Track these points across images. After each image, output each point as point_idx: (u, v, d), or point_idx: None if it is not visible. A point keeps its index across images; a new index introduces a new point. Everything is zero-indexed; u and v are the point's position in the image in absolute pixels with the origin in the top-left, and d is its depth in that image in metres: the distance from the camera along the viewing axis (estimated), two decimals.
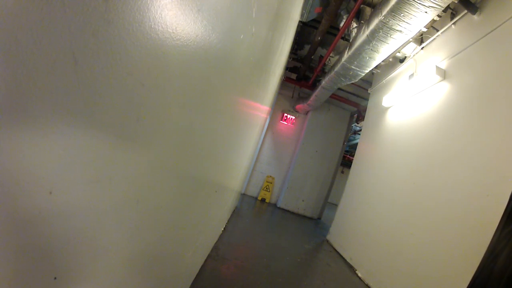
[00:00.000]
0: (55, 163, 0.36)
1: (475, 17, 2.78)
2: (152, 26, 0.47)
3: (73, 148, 0.38)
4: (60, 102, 0.34)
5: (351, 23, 3.88)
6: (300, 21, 4.52)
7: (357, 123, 6.88)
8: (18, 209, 0.33)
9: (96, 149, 0.43)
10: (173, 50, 0.57)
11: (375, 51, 3.23)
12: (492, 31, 2.49)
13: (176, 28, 0.55)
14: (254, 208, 5.85)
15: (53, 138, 0.34)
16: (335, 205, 6.97)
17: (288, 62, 6.28)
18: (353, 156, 10.60)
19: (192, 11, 0.59)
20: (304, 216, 6.69)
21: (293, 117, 7.49)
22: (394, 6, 2.51)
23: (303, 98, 6.93)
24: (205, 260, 2.27)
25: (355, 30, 3.77)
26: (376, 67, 4.54)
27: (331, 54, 5.71)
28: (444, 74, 2.99)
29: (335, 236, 4.50)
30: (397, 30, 2.76)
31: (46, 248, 0.39)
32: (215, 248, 2.64)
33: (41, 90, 0.31)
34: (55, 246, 0.41)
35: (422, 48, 3.59)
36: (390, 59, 4.25)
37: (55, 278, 0.42)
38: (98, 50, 0.37)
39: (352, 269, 3.43)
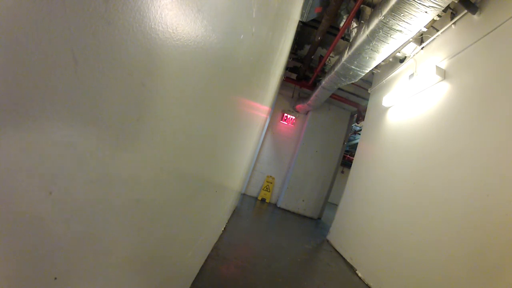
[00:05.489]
0: (55, 163, 0.36)
1: (475, 17, 2.78)
2: (152, 26, 0.47)
3: (73, 148, 0.38)
4: (60, 102, 0.34)
5: (351, 23, 3.88)
6: (300, 21, 4.51)
7: (357, 123, 6.88)
8: (18, 209, 0.33)
9: (96, 149, 0.43)
10: (173, 50, 0.57)
11: (375, 51, 3.23)
12: (492, 31, 2.49)
13: (176, 28, 0.55)
14: (254, 208, 5.85)
15: (53, 138, 0.34)
16: (335, 205, 6.97)
17: (288, 62, 6.27)
18: (353, 156, 10.60)
19: (192, 11, 0.59)
20: (304, 216, 6.69)
21: (293, 117, 7.49)
22: (394, 6, 2.51)
23: (303, 98, 6.93)
24: (205, 260, 2.26)
25: (355, 30, 3.77)
26: (376, 67, 4.54)
27: (331, 54, 5.71)
28: (444, 74, 2.98)
29: (335, 236, 4.50)
30: (397, 30, 2.76)
31: (46, 248, 0.39)
32: (215, 248, 2.63)
33: (41, 90, 0.31)
34: (55, 246, 0.41)
35: (422, 48, 3.59)
36: (390, 59, 4.25)
37: (55, 278, 0.42)
38: (98, 50, 0.37)
39: (352, 269, 3.43)
